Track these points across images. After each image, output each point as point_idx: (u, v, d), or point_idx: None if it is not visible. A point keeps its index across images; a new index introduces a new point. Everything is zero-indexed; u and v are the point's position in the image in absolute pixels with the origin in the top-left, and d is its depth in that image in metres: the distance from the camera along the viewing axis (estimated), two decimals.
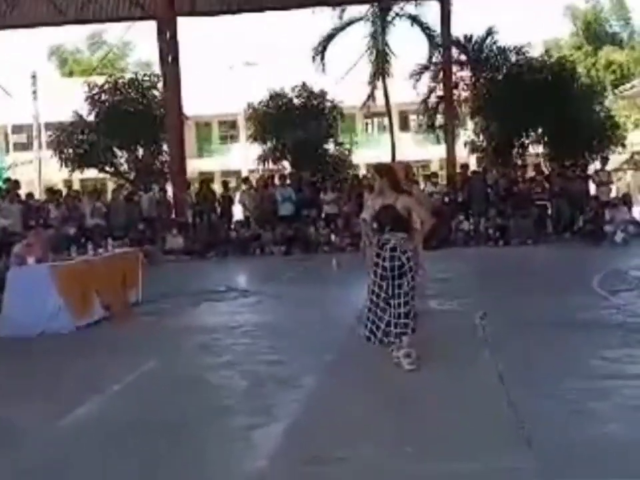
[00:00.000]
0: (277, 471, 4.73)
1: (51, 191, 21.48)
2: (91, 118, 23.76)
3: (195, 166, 35.14)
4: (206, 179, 25.12)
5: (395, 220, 6.80)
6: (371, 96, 27.96)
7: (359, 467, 4.70)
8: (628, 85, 42.18)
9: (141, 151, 23.87)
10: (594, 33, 50.30)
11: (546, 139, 21.04)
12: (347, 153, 23.96)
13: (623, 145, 21.80)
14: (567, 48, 46.41)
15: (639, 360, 6.80)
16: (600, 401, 5.66)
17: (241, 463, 4.89)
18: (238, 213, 21.00)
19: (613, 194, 18.96)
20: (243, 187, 21.57)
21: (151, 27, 22.42)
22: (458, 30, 22.97)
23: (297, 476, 4.65)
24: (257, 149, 24.07)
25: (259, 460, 4.87)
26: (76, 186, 31.55)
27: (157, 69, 23.84)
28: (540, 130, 21.03)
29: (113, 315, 10.42)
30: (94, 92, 23.69)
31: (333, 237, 19.10)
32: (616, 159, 23.54)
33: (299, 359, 7.50)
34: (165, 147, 23.34)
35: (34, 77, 41.24)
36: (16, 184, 19.02)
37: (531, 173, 20.52)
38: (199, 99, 32.02)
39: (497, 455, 4.74)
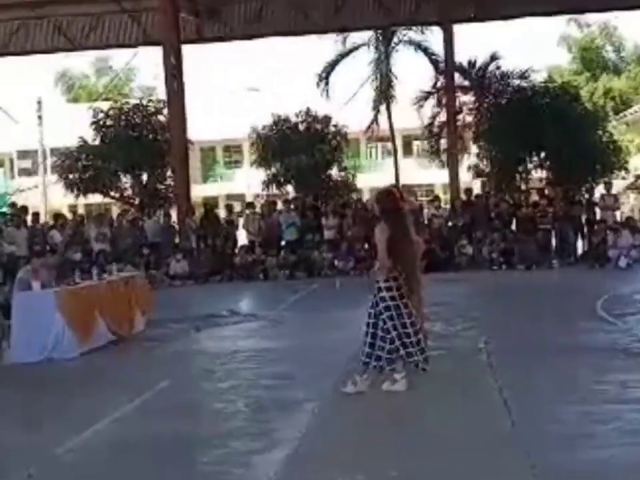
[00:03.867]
0: None
1: (55, 216, 21.56)
2: (96, 143, 23.89)
3: (199, 191, 35.28)
4: (210, 204, 25.18)
5: (373, 247, 6.99)
6: (375, 121, 28.12)
7: None
8: (630, 110, 42.38)
9: (145, 176, 23.95)
10: (590, 61, 50.77)
11: (549, 163, 21.09)
12: (350, 177, 24.03)
13: (626, 170, 21.85)
14: (567, 74, 46.74)
15: None
16: (602, 425, 5.66)
17: None
18: (242, 237, 21.04)
19: (617, 219, 18.96)
20: (247, 211, 21.60)
21: (154, 51, 22.60)
22: (462, 55, 23.17)
23: None
24: (261, 174, 24.16)
25: None
26: (80, 211, 31.66)
27: (160, 93, 23.98)
28: (543, 154, 21.09)
29: (119, 339, 10.44)
30: (99, 117, 23.84)
31: (336, 261, 19.10)
32: (619, 183, 23.57)
33: (302, 384, 7.52)
34: (169, 172, 23.44)
35: (39, 102, 41.57)
36: (23, 210, 19.12)
37: (534, 198, 20.55)
38: (203, 124, 32.24)
39: (501, 478, 4.73)
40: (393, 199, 7.12)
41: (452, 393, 6.85)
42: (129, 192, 24.22)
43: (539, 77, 24.28)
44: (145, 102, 24.75)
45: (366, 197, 28.02)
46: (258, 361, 8.84)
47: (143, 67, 46.64)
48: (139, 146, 22.96)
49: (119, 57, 46.85)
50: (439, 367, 7.29)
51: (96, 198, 25.65)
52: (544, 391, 6.76)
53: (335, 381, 7.34)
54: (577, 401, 6.37)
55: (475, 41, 26.58)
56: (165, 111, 22.97)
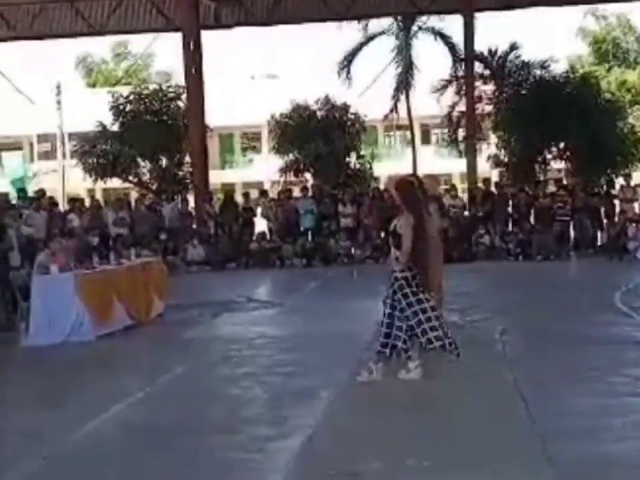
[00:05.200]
0: None
1: (73, 200, 21.66)
2: (115, 128, 23.97)
3: (217, 177, 35.31)
4: (229, 190, 25.22)
5: (393, 236, 6.91)
6: (394, 109, 28.00)
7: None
8: None
9: (164, 161, 24.02)
10: (606, 53, 50.46)
11: (568, 154, 20.97)
12: (368, 165, 23.99)
13: None
14: (587, 64, 46.43)
15: None
16: (619, 418, 5.63)
17: (255, 475, 4.90)
18: (259, 224, 21.06)
19: (636, 210, 18.83)
20: (263, 199, 21.62)
21: (172, 37, 22.59)
22: (480, 45, 23.01)
23: None
24: (279, 161, 24.15)
25: (274, 474, 4.88)
26: (98, 195, 31.79)
27: (178, 79, 24.01)
28: (562, 145, 20.96)
29: (136, 324, 10.49)
30: (119, 102, 23.90)
31: (352, 249, 19.10)
32: (637, 175, 23.39)
33: (318, 371, 7.51)
34: (187, 158, 23.49)
35: (58, 87, 41.69)
36: (42, 192, 19.21)
37: (552, 188, 20.44)
38: (221, 110, 32.23)
39: (519, 470, 4.73)
40: (412, 187, 7.10)
41: (468, 383, 6.84)
42: (147, 177, 24.32)
43: (558, 68, 24.15)
44: (164, 87, 24.80)
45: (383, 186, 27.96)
46: (274, 348, 8.87)
47: (161, 52, 46.60)
48: (157, 131, 23.04)
49: (137, 42, 46.93)
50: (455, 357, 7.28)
51: (114, 183, 25.75)
52: (560, 382, 6.74)
53: (351, 370, 7.34)
54: (593, 393, 6.35)
55: (493, 30, 26.43)
56: (184, 97, 23.00)
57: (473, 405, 6.15)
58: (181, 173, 24.10)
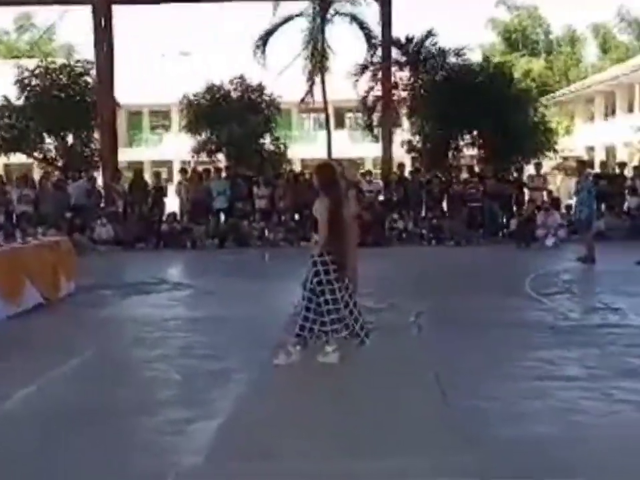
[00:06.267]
0: (211, 467, 4.68)
1: None
2: (20, 102, 23.12)
3: (124, 155, 34.59)
4: (139, 169, 24.70)
5: (313, 221, 6.94)
6: (310, 92, 27.86)
7: (293, 464, 4.67)
8: (559, 92, 43.28)
9: (71, 138, 23.33)
10: (516, 42, 51.85)
11: (481, 141, 21.31)
12: (283, 148, 23.86)
13: (555, 151, 22.24)
14: (498, 54, 47.54)
15: (571, 362, 6.91)
16: (535, 402, 5.73)
17: (175, 457, 4.80)
18: (170, 204, 20.70)
19: (545, 199, 19.29)
20: (179, 178, 21.22)
21: (77, 10, 21.85)
22: (396, 31, 23.08)
23: (231, 472, 4.59)
24: (190, 141, 23.76)
25: (194, 455, 4.82)
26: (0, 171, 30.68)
27: (83, 54, 23.34)
28: (475, 132, 21.29)
29: (48, 304, 10.18)
30: (24, 76, 23.04)
31: (266, 231, 18.99)
32: (546, 163, 23.99)
33: (234, 353, 7.42)
34: (96, 135, 22.88)
35: None
36: None
37: (465, 175, 20.76)
38: (131, 87, 31.54)
39: (438, 454, 4.75)
40: (332, 172, 7.09)
41: (384, 366, 6.85)
42: (53, 154, 23.58)
43: (473, 57, 24.47)
44: (72, 62, 24.07)
45: (297, 167, 27.90)
46: (189, 330, 8.70)
47: (66, 25, 45.44)
48: (64, 107, 22.33)
49: (41, 14, 45.57)
50: (371, 342, 7.27)
51: (17, 158, 24.86)
52: (475, 366, 6.81)
53: (267, 352, 7.27)
54: (508, 377, 6.45)
55: (408, 18, 26.51)
56: (93, 72, 22.38)
57: (390, 389, 6.15)
58: (88, 150, 23.45)
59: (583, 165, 16.17)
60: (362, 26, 26.01)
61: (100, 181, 21.41)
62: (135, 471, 4.64)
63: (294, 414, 5.62)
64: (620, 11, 50.66)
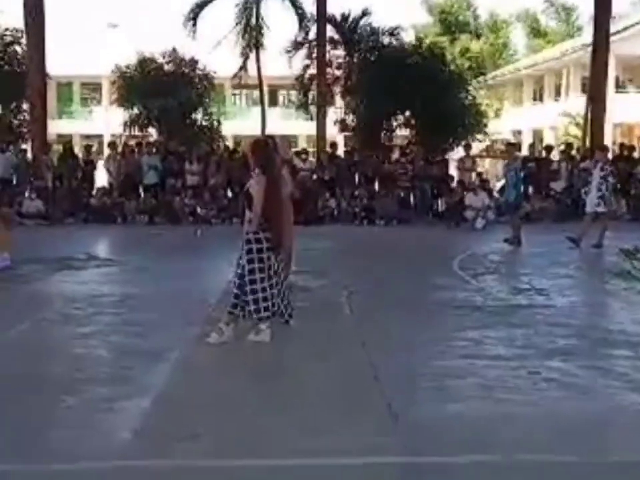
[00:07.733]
0: (142, 444, 4.67)
1: None
2: None
3: (53, 127, 33.83)
4: (69, 142, 24.19)
5: (246, 197, 6.93)
6: (243, 67, 27.70)
7: (223, 442, 4.70)
8: (490, 75, 43.85)
9: None
10: (449, 23, 52.33)
11: (413, 122, 21.50)
12: (216, 123, 23.68)
13: (485, 133, 22.59)
14: (430, 35, 47.88)
15: (497, 341, 7.06)
16: (459, 380, 5.87)
17: (105, 435, 4.79)
18: (100, 179, 20.36)
19: (474, 180, 19.58)
20: (109, 152, 20.87)
21: None
22: (332, 9, 23.05)
23: (162, 449, 4.58)
24: (121, 114, 23.38)
25: (124, 432, 4.81)
26: None
27: (11, 22, 22.66)
28: (408, 113, 21.46)
29: None
30: None
31: (198, 208, 18.84)
32: (476, 146, 24.36)
33: (165, 331, 7.37)
34: (25, 106, 22.32)
35: None
36: None
37: (396, 155, 20.94)
38: (61, 58, 30.75)
39: (366, 430, 4.84)
40: (268, 149, 7.09)
41: (315, 344, 6.93)
42: None
43: (406, 37, 24.64)
44: (1, 31, 23.37)
45: (230, 143, 27.73)
46: (119, 306, 8.61)
47: None
48: None
49: None
50: (302, 320, 7.35)
51: None
52: (405, 344, 6.94)
53: (199, 330, 7.28)
54: (435, 355, 6.57)
55: None
56: (23, 42, 21.78)
57: (321, 367, 6.22)
58: (16, 121, 22.89)
59: (513, 147, 16.48)
60: (294, 3, 25.93)
61: (29, 154, 20.93)
62: (64, 447, 4.60)
63: (223, 392, 5.63)
64: None
